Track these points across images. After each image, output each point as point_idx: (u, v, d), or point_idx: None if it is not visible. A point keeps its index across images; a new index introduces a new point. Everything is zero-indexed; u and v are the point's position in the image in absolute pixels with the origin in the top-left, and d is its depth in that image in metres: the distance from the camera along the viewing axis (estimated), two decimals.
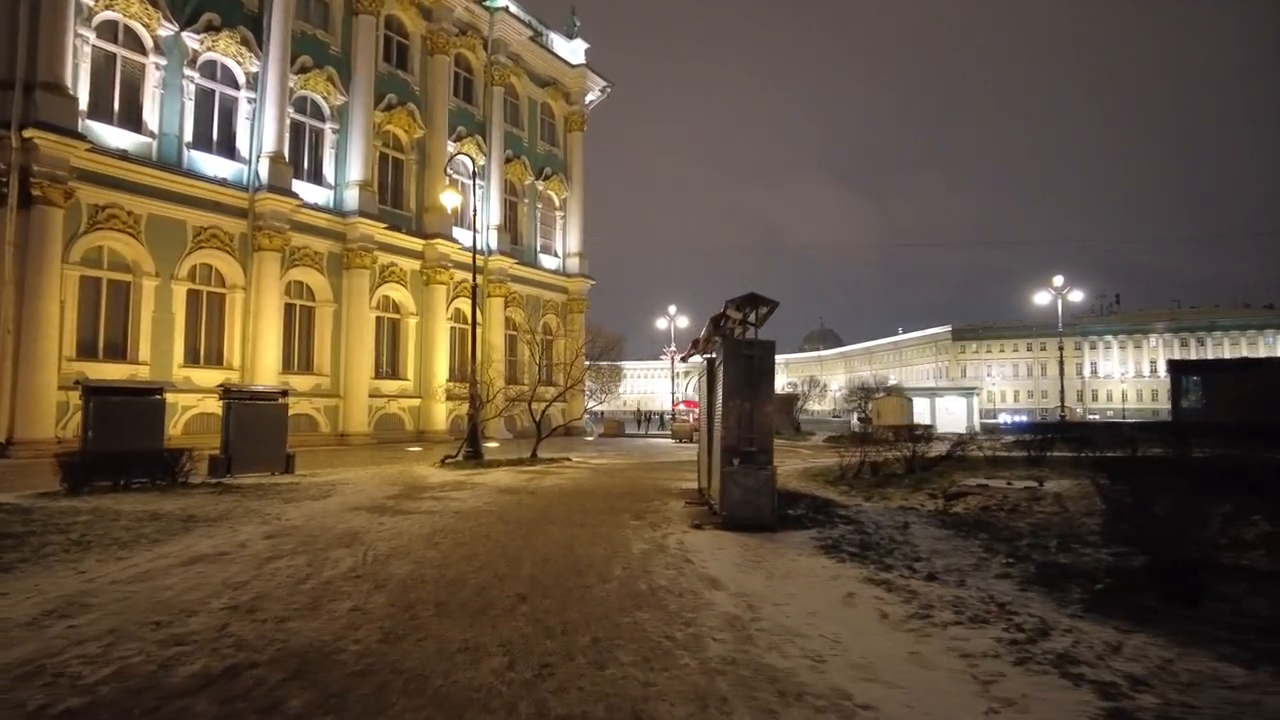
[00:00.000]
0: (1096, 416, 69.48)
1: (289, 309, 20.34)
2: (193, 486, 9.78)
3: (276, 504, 8.54)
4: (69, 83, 15.22)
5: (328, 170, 21.71)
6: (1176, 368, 24.21)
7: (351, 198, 21.60)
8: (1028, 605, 4.43)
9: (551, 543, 6.44)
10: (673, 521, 7.79)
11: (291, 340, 20.44)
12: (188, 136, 17.86)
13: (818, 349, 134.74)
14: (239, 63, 19.02)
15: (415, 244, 23.71)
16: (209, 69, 18.62)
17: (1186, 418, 18.62)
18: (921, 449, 13.12)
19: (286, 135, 19.75)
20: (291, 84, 20.21)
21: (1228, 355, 72.95)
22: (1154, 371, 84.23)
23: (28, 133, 14.25)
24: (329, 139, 21.74)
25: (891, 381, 63.43)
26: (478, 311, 19.88)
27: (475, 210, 26.55)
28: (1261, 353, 75.51)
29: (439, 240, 23.87)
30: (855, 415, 37.19)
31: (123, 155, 16.39)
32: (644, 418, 42.99)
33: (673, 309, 42.97)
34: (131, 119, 16.94)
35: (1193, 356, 76.68)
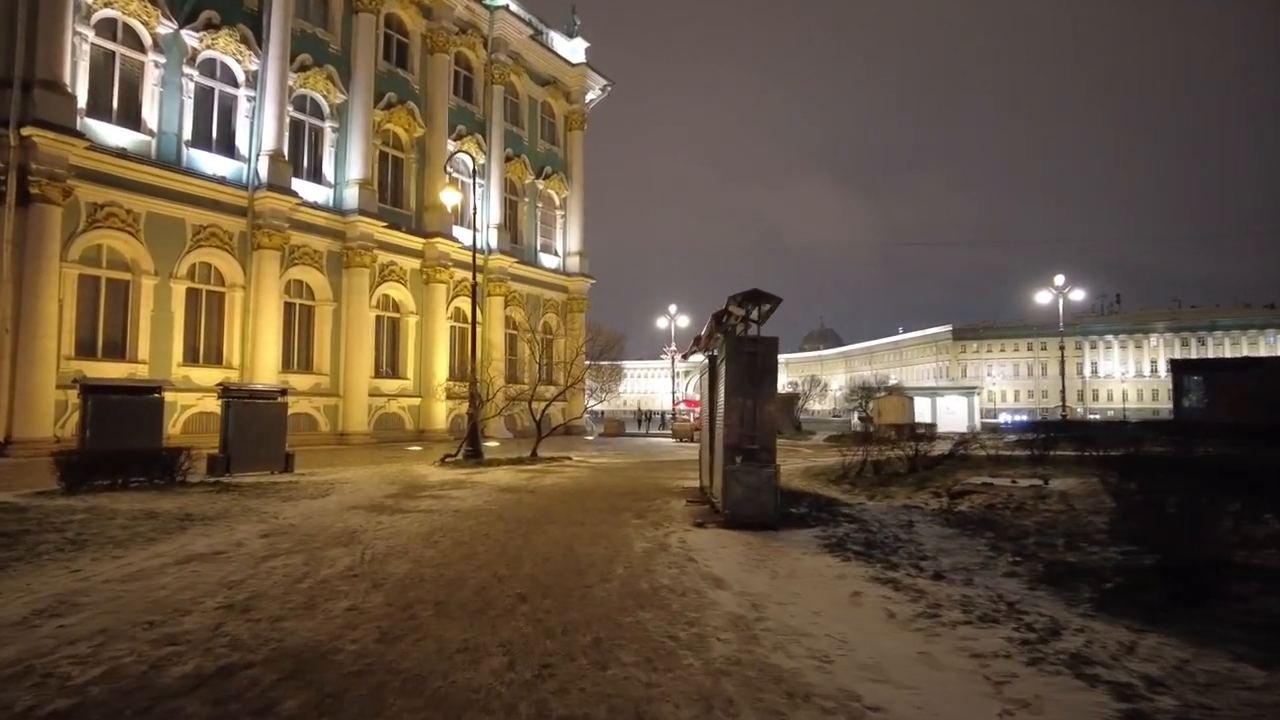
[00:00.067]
0: (1097, 416, 69.34)
1: (288, 308, 20.27)
2: (191, 485, 9.71)
3: (274, 503, 8.47)
4: (67, 81, 15.16)
5: (327, 169, 21.64)
6: (1179, 367, 24.26)
7: (351, 196, 21.53)
8: (1037, 604, 4.36)
9: (552, 542, 6.37)
10: (674, 520, 7.72)
11: (291, 339, 20.37)
12: (187, 135, 17.80)
13: (818, 349, 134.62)
14: (238, 61, 18.96)
15: (415, 243, 23.64)
16: (208, 67, 18.55)
17: (1188, 417, 18.60)
18: (924, 448, 13.04)
19: (286, 133, 19.69)
20: (291, 82, 20.15)
21: (1228, 355, 72.85)
22: (1154, 371, 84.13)
23: (26, 131, 14.19)
24: (329, 137, 21.67)
25: (892, 381, 63.27)
26: (478, 310, 19.81)
27: (475, 209, 26.50)
28: (1262, 352, 75.37)
29: (439, 239, 23.80)
30: (856, 414, 37.12)
31: (121, 153, 16.32)
32: (644, 417, 42.91)
33: (673, 308, 42.95)
34: (130, 117, 16.88)
35: (1193, 356, 76.49)
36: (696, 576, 5.13)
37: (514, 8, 28.27)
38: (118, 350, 16.49)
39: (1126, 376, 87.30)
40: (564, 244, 31.76)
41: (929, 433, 19.54)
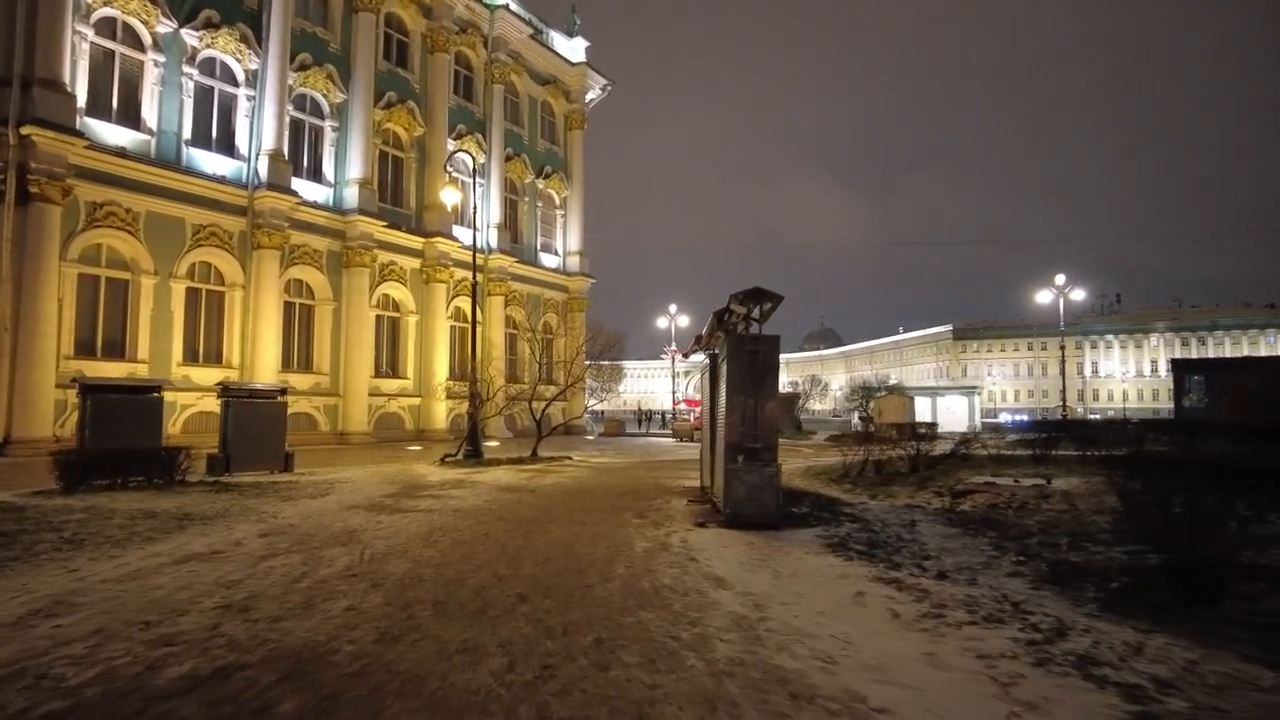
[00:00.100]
0: (1097, 416, 69.26)
1: (288, 307, 20.23)
2: (190, 485, 9.67)
3: (273, 502, 8.43)
4: (67, 80, 15.12)
5: (327, 168, 21.60)
6: (1180, 367, 24.27)
7: (351, 196, 21.49)
8: (1042, 604, 4.31)
9: (552, 541, 6.32)
10: (675, 520, 7.67)
11: (291, 339, 20.33)
12: (186, 134, 17.76)
13: (818, 348, 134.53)
14: (238, 60, 18.92)
15: (415, 242, 23.60)
16: (208, 66, 18.51)
17: (1189, 416, 18.59)
18: (925, 447, 13.00)
19: (286, 133, 19.64)
20: (291, 81, 20.11)
21: (1229, 354, 72.80)
22: (1155, 371, 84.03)
23: (25, 130, 14.15)
24: (328, 137, 21.63)
25: (892, 381, 63.23)
26: (478, 310, 19.76)
27: (475, 208, 26.46)
28: (1263, 352, 75.29)
29: (439, 238, 23.76)
30: (857, 414, 37.09)
31: (121, 153, 16.28)
32: (644, 417, 42.87)
33: (673, 308, 42.87)
34: (130, 116, 16.84)
35: (1194, 356, 76.42)
36: (698, 576, 5.08)
37: (514, 7, 28.23)
38: (117, 350, 16.45)
39: (1127, 376, 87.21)
40: (564, 243, 31.72)
41: (930, 432, 19.49)
